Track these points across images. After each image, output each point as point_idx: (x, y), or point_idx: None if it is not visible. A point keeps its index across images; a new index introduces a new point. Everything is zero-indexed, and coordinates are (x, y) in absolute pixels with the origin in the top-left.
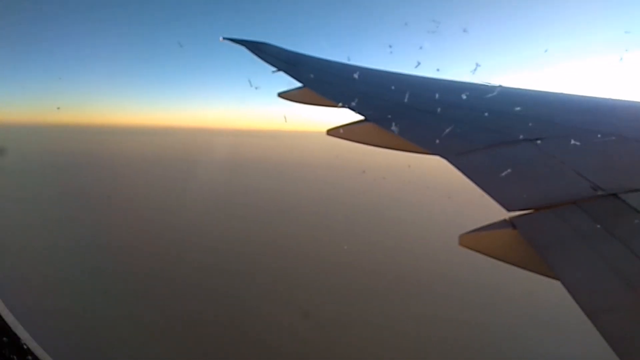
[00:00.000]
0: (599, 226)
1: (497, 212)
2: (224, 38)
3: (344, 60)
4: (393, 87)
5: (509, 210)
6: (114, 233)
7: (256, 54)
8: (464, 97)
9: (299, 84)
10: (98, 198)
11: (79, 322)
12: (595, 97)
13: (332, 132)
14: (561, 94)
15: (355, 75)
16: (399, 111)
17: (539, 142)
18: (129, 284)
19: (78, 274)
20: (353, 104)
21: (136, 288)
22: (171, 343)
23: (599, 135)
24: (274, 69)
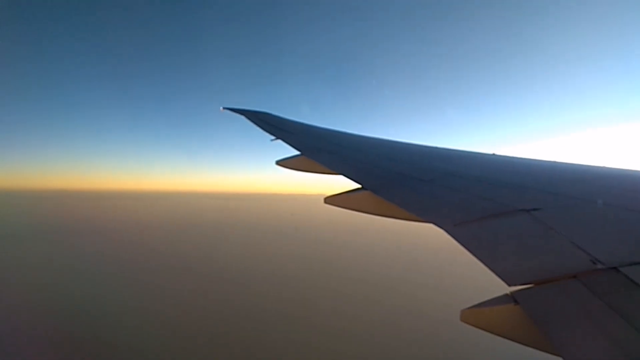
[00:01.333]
0: (600, 301)
1: (492, 281)
2: (225, 108)
3: (348, 130)
4: (390, 155)
5: (510, 284)
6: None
7: (255, 123)
8: (458, 165)
9: (296, 152)
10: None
11: None
12: (594, 166)
13: (330, 200)
14: (559, 162)
15: (351, 143)
16: (395, 179)
17: (537, 212)
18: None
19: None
20: (349, 172)
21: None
22: None
23: (597, 206)
24: (273, 137)
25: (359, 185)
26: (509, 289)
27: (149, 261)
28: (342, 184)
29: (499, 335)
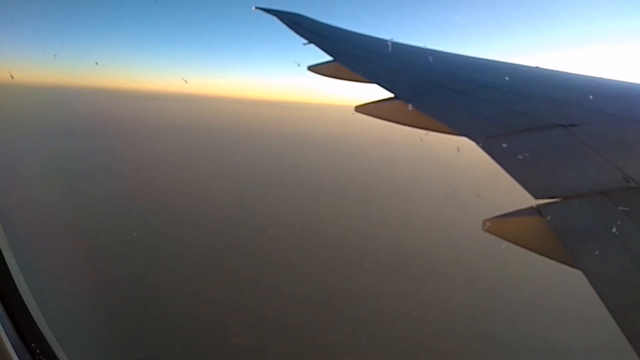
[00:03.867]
0: (629, 219)
1: (524, 199)
2: (257, 7)
3: (385, 38)
4: (425, 64)
5: (536, 197)
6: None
7: (288, 25)
8: (498, 77)
9: (330, 58)
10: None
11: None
12: (637, 84)
13: (361, 108)
14: (600, 78)
15: (388, 50)
16: (430, 90)
17: (572, 128)
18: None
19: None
20: (383, 80)
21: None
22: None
23: (637, 124)
24: (306, 41)
25: (391, 95)
26: (535, 203)
27: (173, 166)
28: (374, 94)
29: (519, 245)
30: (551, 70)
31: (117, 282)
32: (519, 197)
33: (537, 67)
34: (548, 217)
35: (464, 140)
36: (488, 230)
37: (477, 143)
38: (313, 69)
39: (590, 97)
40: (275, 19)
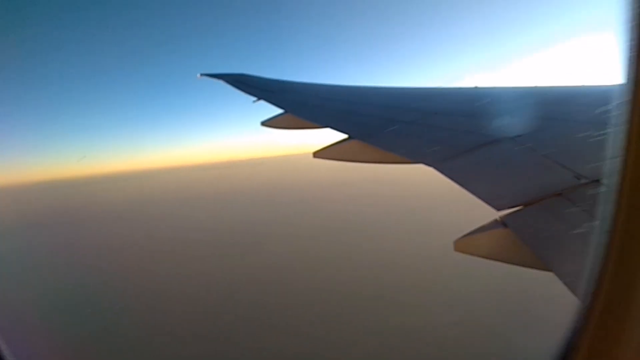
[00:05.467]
0: (586, 214)
1: (489, 213)
2: (202, 74)
3: (329, 81)
4: (372, 102)
5: (498, 209)
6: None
7: (235, 86)
8: (441, 102)
9: (280, 110)
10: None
11: None
12: (566, 86)
13: (319, 153)
14: (534, 87)
15: (333, 95)
16: (380, 125)
17: (518, 138)
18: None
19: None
20: (335, 123)
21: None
22: None
23: (574, 124)
24: (254, 98)
25: (345, 136)
26: (499, 215)
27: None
28: (329, 138)
29: (491, 259)
30: (488, 87)
31: None
32: (483, 212)
33: (475, 87)
34: (512, 227)
35: (421, 167)
36: (459, 250)
37: (434, 167)
38: (266, 123)
39: (527, 106)
40: (221, 82)
